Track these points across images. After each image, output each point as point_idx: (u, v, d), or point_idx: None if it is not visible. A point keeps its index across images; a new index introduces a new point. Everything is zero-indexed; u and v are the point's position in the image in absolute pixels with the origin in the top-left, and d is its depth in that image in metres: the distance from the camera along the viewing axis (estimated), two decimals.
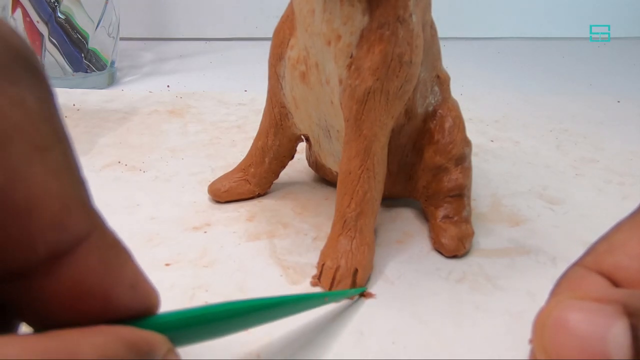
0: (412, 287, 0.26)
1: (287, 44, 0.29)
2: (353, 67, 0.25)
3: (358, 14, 0.25)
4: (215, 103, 0.52)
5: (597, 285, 0.14)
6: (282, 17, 0.29)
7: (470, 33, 0.83)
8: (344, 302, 0.25)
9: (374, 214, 0.27)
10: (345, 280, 0.25)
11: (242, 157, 0.35)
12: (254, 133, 0.45)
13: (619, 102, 0.58)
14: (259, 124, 0.48)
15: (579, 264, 0.16)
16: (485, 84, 0.62)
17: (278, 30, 0.29)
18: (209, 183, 0.34)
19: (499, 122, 0.50)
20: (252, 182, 0.34)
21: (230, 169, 0.35)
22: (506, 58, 0.75)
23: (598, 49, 0.81)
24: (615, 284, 0.14)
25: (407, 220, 0.33)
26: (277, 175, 0.34)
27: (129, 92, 0.54)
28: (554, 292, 0.16)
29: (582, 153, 0.44)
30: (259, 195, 0.34)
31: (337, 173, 0.33)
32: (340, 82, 0.26)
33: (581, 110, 0.54)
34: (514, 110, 0.53)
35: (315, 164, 0.35)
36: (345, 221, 0.27)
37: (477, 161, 0.40)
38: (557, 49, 0.80)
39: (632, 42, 0.86)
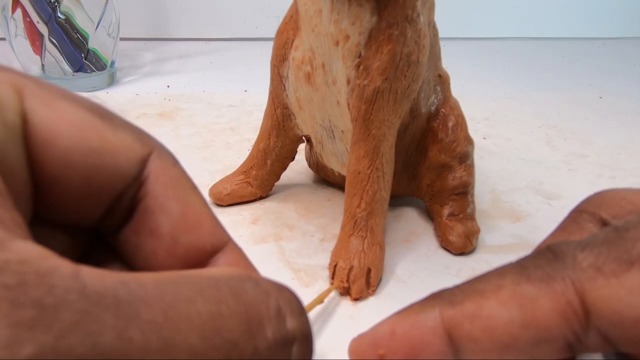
0: (424, 286, 0.26)
1: (291, 45, 0.28)
2: (361, 67, 0.25)
3: (367, 14, 0.25)
4: (205, 105, 0.51)
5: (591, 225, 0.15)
6: (285, 17, 0.29)
7: (470, 33, 0.84)
8: (357, 303, 0.25)
9: (384, 214, 0.27)
10: (359, 280, 0.25)
11: (239, 160, 0.35)
12: (248, 135, 0.45)
13: (600, 97, 0.59)
14: (251, 125, 0.48)
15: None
16: (485, 83, 0.62)
17: (281, 31, 0.29)
18: (208, 187, 0.34)
19: (489, 119, 0.51)
20: (254, 185, 0.33)
21: (228, 172, 0.35)
22: (506, 58, 0.76)
23: (597, 49, 0.82)
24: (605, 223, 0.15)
25: (411, 219, 0.33)
26: (278, 177, 0.34)
27: (115, 94, 0.53)
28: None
29: (572, 148, 0.45)
30: (261, 198, 0.34)
31: (339, 174, 0.33)
32: (348, 82, 0.26)
33: (566, 107, 0.56)
34: (502, 107, 0.54)
35: (316, 165, 0.35)
36: (355, 221, 0.27)
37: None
38: (557, 49, 0.81)
39: (625, 42, 0.88)
